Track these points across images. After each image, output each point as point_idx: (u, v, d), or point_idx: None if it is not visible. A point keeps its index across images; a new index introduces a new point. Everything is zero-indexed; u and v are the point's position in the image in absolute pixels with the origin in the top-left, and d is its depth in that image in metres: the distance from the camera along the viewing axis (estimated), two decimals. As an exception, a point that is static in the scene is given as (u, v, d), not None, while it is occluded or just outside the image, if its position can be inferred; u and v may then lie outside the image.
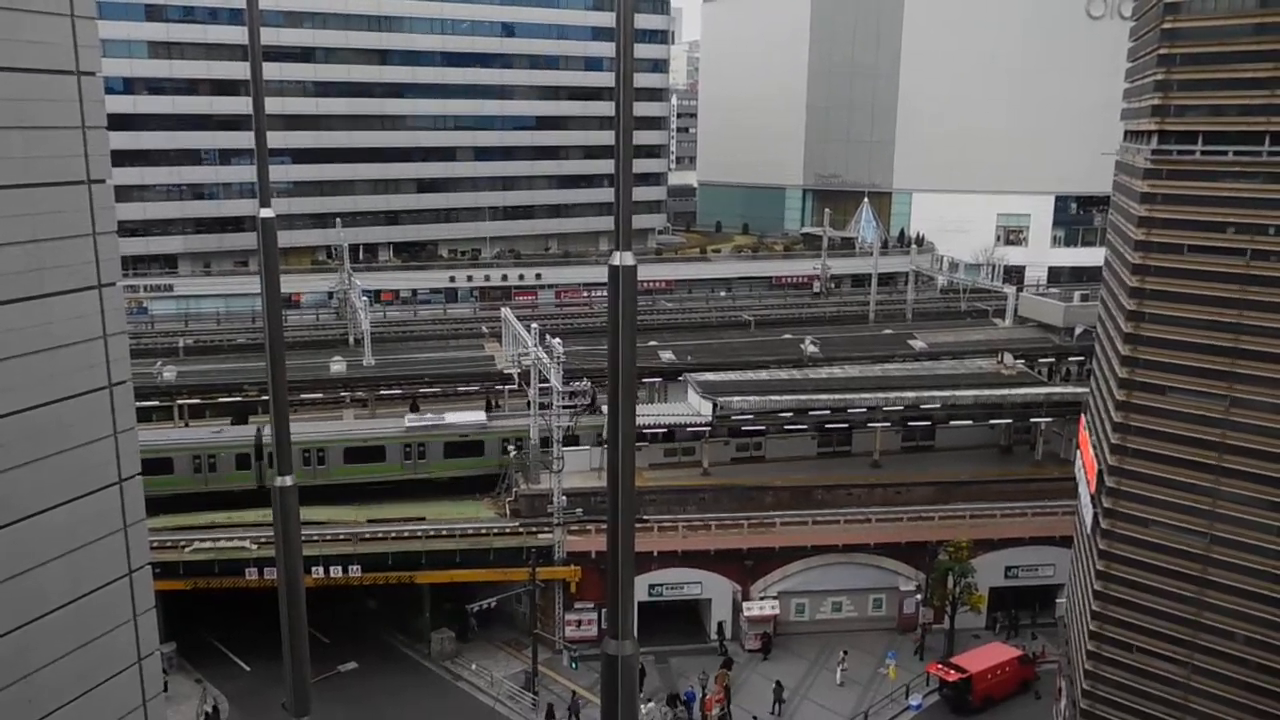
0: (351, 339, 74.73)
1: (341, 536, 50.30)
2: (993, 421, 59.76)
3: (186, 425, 60.68)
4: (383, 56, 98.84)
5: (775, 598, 52.40)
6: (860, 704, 47.45)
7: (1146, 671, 36.25)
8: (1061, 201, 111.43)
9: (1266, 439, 32.87)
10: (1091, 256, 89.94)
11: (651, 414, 56.97)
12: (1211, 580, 34.42)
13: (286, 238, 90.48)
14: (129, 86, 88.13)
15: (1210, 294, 33.66)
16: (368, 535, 50.66)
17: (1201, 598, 34.70)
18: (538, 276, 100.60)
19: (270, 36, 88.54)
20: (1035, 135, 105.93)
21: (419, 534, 50.83)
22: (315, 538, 48.82)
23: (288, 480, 14.23)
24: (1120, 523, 36.42)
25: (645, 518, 51.40)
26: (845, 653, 50.10)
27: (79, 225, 14.91)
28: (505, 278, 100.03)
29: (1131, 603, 36.37)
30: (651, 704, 46.34)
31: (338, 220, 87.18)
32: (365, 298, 72.21)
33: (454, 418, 58.68)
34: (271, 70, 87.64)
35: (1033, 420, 59.37)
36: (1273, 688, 33.41)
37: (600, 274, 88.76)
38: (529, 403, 54.52)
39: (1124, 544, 36.34)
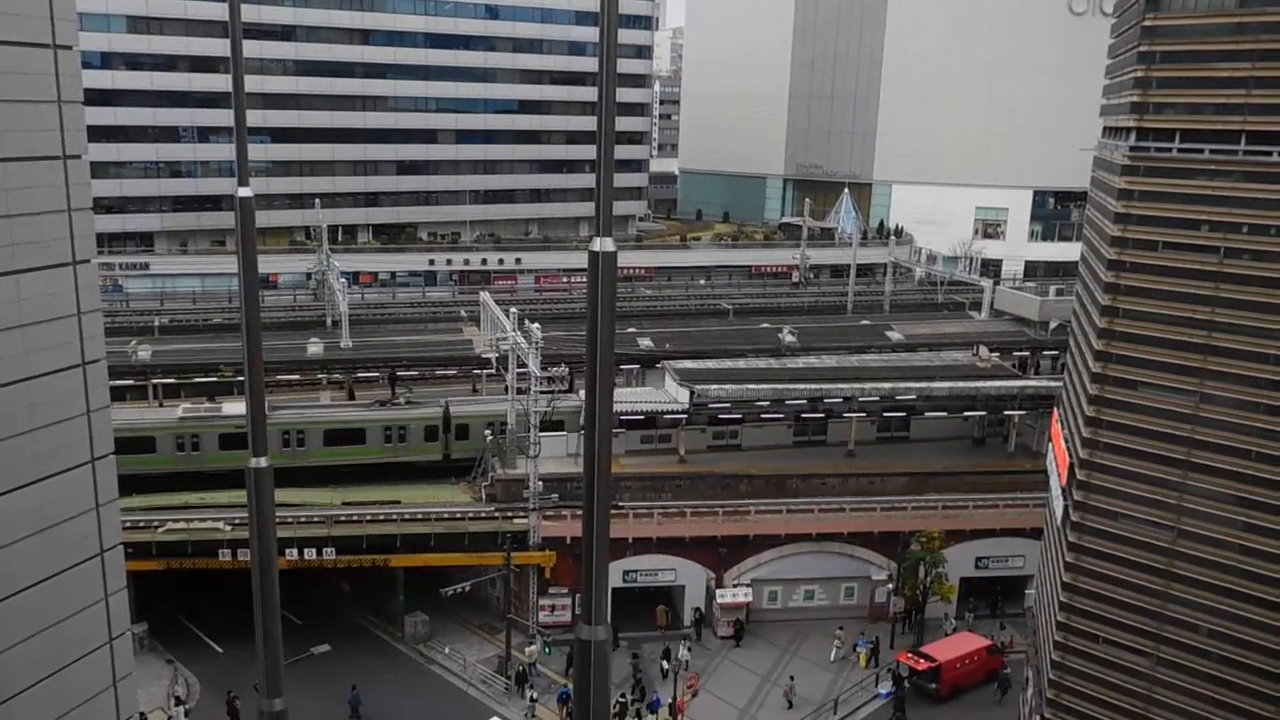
0: (329, 320, 74.24)
1: (316, 519, 50.13)
2: (967, 413, 60.25)
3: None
4: (365, 36, 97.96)
5: (748, 585, 52.71)
6: (830, 692, 47.85)
7: (1112, 663, 36.73)
8: (1039, 196, 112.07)
9: (1234, 435, 33.29)
10: (1068, 251, 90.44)
11: (629, 401, 57.04)
12: (1178, 574, 34.89)
13: (264, 217, 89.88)
14: (106, 61, 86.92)
15: (1184, 291, 33.99)
16: (342, 518, 50.51)
17: (1168, 591, 35.17)
18: (517, 261, 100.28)
19: (251, 14, 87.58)
20: (1015, 130, 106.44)
21: (394, 517, 50.79)
22: (290, 520, 48.65)
23: (262, 462, 14.19)
24: (1090, 516, 36.80)
25: (621, 504, 51.53)
26: (841, 628, 51.22)
27: (54, 201, 14.77)
28: (485, 262, 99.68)
29: (1099, 595, 36.80)
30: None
31: (316, 201, 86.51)
32: (343, 279, 71.63)
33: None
34: (252, 48, 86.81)
35: (1006, 413, 59.88)
36: (1235, 679, 33.96)
37: (580, 260, 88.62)
38: (507, 387, 54.48)
39: (1093, 537, 36.74)
